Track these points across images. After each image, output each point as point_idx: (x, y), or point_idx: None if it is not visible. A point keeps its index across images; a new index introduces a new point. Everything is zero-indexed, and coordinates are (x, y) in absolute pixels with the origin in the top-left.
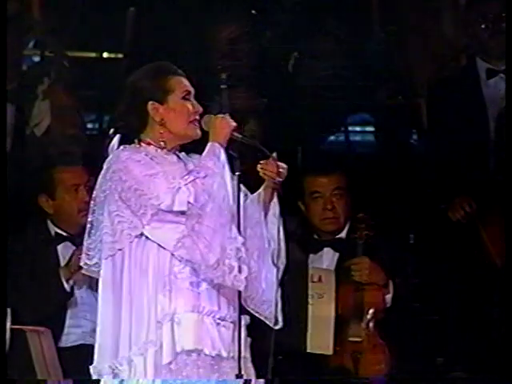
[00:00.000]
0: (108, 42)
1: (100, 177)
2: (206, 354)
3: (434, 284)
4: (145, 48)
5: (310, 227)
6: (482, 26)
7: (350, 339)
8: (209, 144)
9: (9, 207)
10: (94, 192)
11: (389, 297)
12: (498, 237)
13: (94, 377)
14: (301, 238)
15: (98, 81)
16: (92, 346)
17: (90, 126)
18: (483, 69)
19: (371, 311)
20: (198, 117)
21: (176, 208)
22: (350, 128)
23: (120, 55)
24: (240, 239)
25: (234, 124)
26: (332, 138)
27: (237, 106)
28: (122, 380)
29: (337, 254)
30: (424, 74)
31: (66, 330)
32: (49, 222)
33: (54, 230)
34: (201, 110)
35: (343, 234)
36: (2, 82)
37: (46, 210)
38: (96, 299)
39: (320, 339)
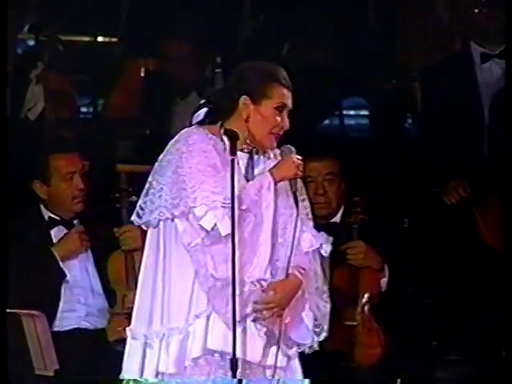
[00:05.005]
0: (102, 26)
1: (170, 143)
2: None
3: (429, 268)
4: (139, 32)
5: None
6: (476, 11)
7: (346, 323)
8: (267, 174)
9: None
10: (161, 155)
11: (384, 281)
12: (493, 221)
13: (128, 339)
14: None
15: (92, 65)
16: (86, 330)
17: (84, 109)
18: (477, 53)
19: (366, 295)
20: (281, 132)
21: (202, 222)
22: (344, 112)
23: (114, 39)
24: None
25: (299, 173)
26: (326, 122)
27: None
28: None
29: (330, 239)
30: (418, 57)
31: (59, 315)
32: (42, 207)
33: (47, 214)
34: (287, 126)
35: (337, 219)
36: (2, 72)
37: (40, 195)
38: (90, 283)
39: None
